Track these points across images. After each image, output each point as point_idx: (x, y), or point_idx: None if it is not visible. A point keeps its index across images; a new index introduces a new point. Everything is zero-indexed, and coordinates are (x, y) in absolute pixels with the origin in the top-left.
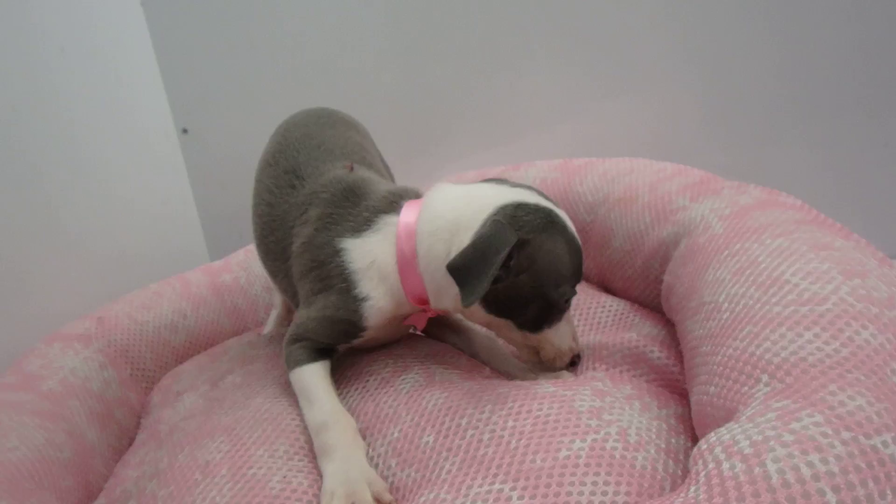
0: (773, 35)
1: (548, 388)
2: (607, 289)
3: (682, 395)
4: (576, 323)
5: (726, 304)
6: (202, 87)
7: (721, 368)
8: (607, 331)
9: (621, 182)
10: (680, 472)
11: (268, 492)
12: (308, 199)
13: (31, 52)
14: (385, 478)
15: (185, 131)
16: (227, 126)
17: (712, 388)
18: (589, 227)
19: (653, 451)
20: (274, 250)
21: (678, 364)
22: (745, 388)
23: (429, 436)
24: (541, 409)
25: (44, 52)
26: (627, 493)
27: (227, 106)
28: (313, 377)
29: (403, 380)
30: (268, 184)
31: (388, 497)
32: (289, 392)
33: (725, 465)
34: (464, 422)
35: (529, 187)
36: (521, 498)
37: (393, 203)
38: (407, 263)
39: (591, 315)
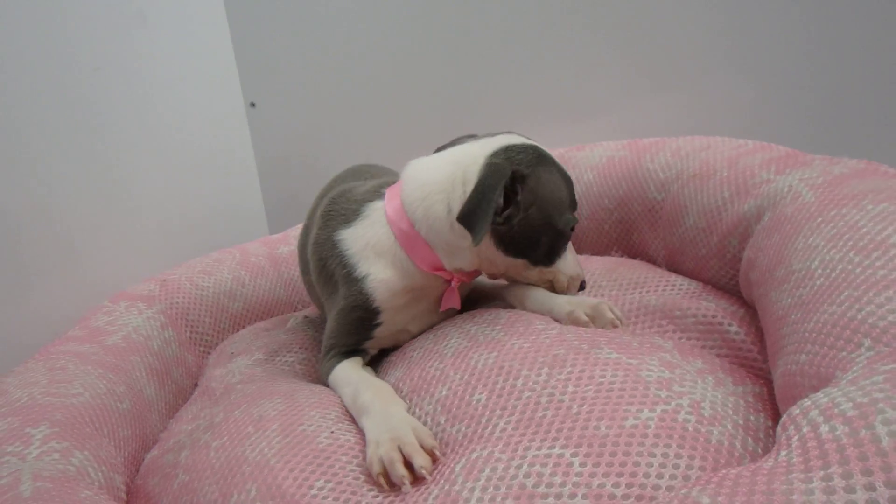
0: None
1: (610, 355)
2: (677, 270)
3: (759, 375)
4: (645, 293)
5: (820, 271)
6: (272, 62)
7: (814, 335)
8: (678, 299)
9: (696, 158)
10: (760, 451)
11: (315, 445)
12: (320, 206)
13: (113, 17)
14: (434, 434)
15: (252, 105)
16: (294, 102)
17: (803, 357)
18: (660, 205)
19: (730, 427)
20: (307, 262)
21: (756, 344)
22: (844, 353)
23: (480, 394)
24: (604, 376)
25: (125, 17)
26: (701, 468)
27: (295, 82)
28: (344, 368)
29: (447, 345)
30: (321, 199)
31: (431, 441)
32: None
33: (824, 428)
34: (519, 383)
35: (508, 132)
36: (583, 465)
37: (377, 192)
38: (407, 236)
39: (659, 290)
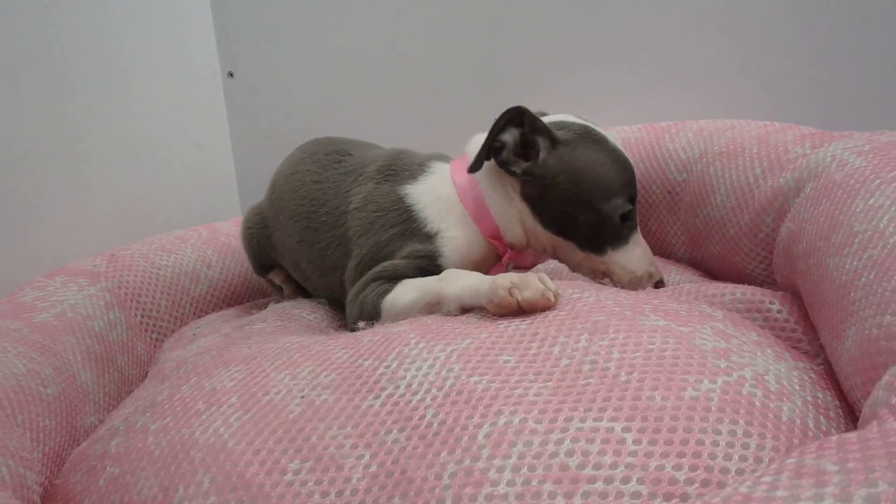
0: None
1: (657, 322)
2: (697, 260)
3: (809, 356)
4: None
5: (892, 228)
6: (253, 29)
7: None
8: (711, 285)
9: (721, 137)
10: (833, 430)
11: (285, 417)
12: (360, 165)
13: None
14: (444, 380)
15: (230, 75)
16: (276, 73)
17: (888, 318)
18: (682, 185)
19: (799, 403)
20: (327, 221)
21: (800, 324)
22: None
23: (509, 356)
24: (653, 343)
25: None
26: (775, 449)
27: (277, 51)
28: (406, 283)
29: (471, 314)
30: (309, 169)
31: (552, 285)
32: (331, 335)
33: None
34: (556, 350)
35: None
36: (637, 442)
37: (441, 155)
38: (475, 201)
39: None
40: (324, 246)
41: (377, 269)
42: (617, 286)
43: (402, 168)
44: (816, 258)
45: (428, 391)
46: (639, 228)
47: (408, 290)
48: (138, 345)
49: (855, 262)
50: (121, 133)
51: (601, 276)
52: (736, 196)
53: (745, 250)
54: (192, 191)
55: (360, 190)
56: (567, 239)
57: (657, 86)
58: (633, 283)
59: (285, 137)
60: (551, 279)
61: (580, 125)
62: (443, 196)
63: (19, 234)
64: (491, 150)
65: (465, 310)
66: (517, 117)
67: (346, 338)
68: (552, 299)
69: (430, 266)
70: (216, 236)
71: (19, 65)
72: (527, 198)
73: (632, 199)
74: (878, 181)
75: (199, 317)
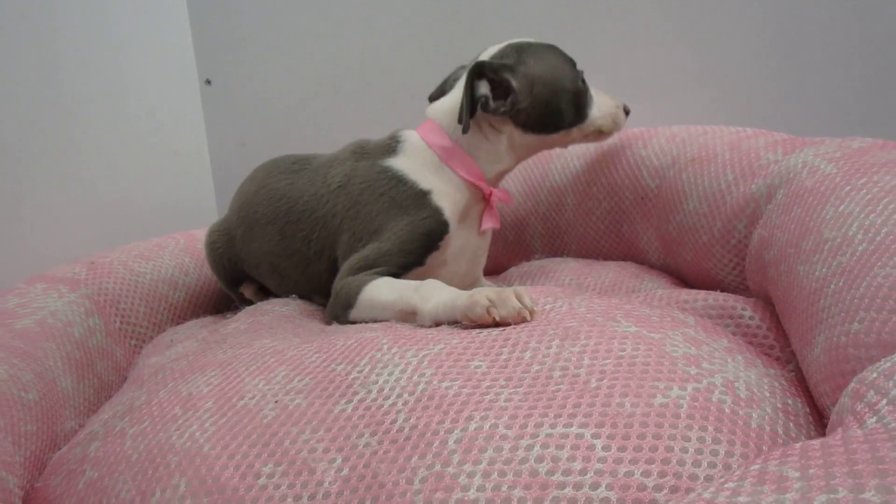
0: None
1: (629, 328)
2: (670, 266)
3: (780, 363)
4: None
5: (861, 236)
6: (231, 36)
7: (867, 301)
8: (683, 291)
9: (694, 143)
10: (803, 437)
11: (259, 422)
12: (329, 159)
13: None
14: (415, 385)
15: (208, 82)
16: (254, 81)
17: (855, 326)
18: (654, 192)
19: (769, 410)
20: (307, 208)
21: (772, 331)
22: None
23: (480, 361)
24: (624, 349)
25: None
26: (744, 455)
27: (255, 59)
28: (386, 280)
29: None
30: (277, 178)
31: (528, 302)
32: (302, 335)
33: None
34: (527, 356)
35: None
36: (606, 448)
37: (404, 129)
38: (449, 152)
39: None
40: (307, 233)
41: (372, 258)
42: (611, 137)
43: (376, 146)
44: (787, 265)
45: (400, 396)
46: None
47: (386, 291)
48: (117, 351)
49: (824, 270)
50: (100, 139)
51: (594, 136)
52: (708, 202)
53: (717, 257)
54: (169, 197)
55: (340, 170)
56: (561, 129)
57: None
58: (616, 120)
59: (261, 144)
60: (528, 295)
61: (515, 45)
62: (426, 159)
63: (4, 236)
64: (473, 105)
65: (438, 323)
66: (479, 72)
67: (320, 342)
68: (528, 317)
69: (435, 229)
70: (193, 244)
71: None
72: (520, 123)
73: (574, 66)
74: (848, 188)
75: (177, 323)
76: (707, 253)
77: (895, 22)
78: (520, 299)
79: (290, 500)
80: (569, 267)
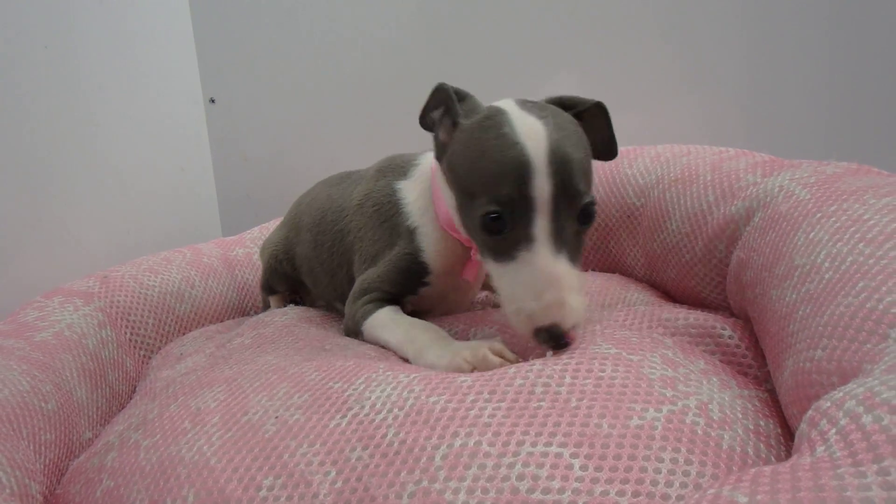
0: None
1: (609, 350)
2: (655, 281)
3: (757, 382)
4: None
5: (827, 264)
6: (235, 56)
7: (830, 329)
8: (665, 307)
9: (677, 163)
10: (773, 458)
11: (261, 436)
12: (364, 173)
13: None
14: (405, 400)
15: (212, 101)
16: (256, 100)
17: (819, 353)
18: (640, 210)
19: (740, 431)
20: (332, 219)
21: (751, 350)
22: (868, 345)
23: (466, 376)
24: (603, 370)
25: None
26: (714, 476)
27: (258, 79)
28: (388, 312)
29: None
30: (323, 189)
31: (511, 355)
32: (303, 351)
33: (867, 419)
34: (511, 370)
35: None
36: (584, 468)
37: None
38: (436, 191)
39: (642, 301)
40: (330, 244)
41: (373, 280)
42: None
43: (398, 165)
44: (762, 288)
45: (390, 411)
46: (549, 249)
47: (384, 331)
48: (127, 362)
49: (794, 295)
50: (111, 159)
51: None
52: (690, 222)
53: (699, 276)
54: (175, 212)
55: (361, 189)
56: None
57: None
58: (514, 319)
59: (263, 160)
60: (507, 350)
61: (493, 108)
62: (422, 193)
63: (18, 256)
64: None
65: None
66: (442, 95)
67: (320, 361)
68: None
69: (416, 269)
70: (199, 258)
71: (9, 95)
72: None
73: (503, 202)
74: (819, 215)
75: (183, 334)
76: (690, 271)
77: (879, 36)
78: (501, 355)
79: None
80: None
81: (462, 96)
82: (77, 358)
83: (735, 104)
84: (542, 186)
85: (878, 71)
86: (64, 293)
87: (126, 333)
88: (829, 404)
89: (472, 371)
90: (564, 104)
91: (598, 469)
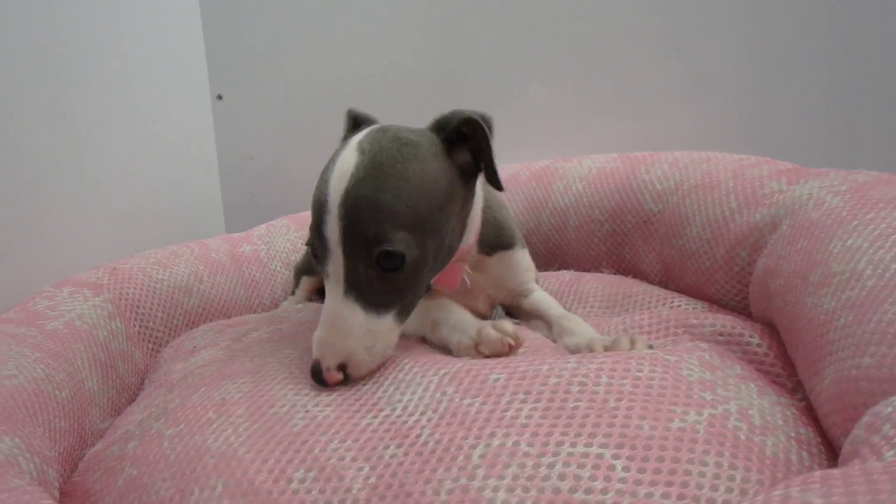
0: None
1: (644, 349)
2: (671, 288)
3: (787, 391)
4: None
5: (869, 271)
6: (243, 52)
7: (878, 336)
8: (690, 312)
9: (697, 170)
10: (816, 466)
11: (289, 430)
12: None
13: None
14: (438, 402)
15: (219, 97)
16: (264, 97)
17: (867, 360)
18: (657, 216)
19: (783, 438)
20: None
21: (779, 359)
22: None
23: (499, 374)
24: (641, 370)
25: None
26: (759, 482)
27: (266, 75)
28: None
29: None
30: None
31: (510, 328)
32: None
33: None
34: (544, 368)
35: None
36: (626, 469)
37: None
38: None
39: (665, 306)
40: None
41: None
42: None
43: None
44: (793, 295)
45: (423, 413)
46: (337, 288)
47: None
48: (136, 354)
49: (833, 303)
50: (117, 154)
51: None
52: (711, 229)
53: (720, 282)
54: (179, 211)
55: None
56: None
57: (626, 111)
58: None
59: (268, 159)
60: (509, 324)
61: (349, 138)
62: None
63: (28, 248)
64: None
65: None
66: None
67: None
68: (513, 344)
69: None
70: (207, 252)
71: (21, 89)
72: None
73: (312, 237)
74: (855, 223)
75: (190, 328)
76: (710, 278)
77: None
78: (501, 329)
79: None
80: (566, 277)
81: (361, 122)
82: (88, 348)
83: (737, 112)
84: (332, 228)
85: (883, 77)
86: (73, 284)
87: (135, 326)
88: (890, 409)
89: (475, 347)
90: (440, 126)
91: (641, 471)
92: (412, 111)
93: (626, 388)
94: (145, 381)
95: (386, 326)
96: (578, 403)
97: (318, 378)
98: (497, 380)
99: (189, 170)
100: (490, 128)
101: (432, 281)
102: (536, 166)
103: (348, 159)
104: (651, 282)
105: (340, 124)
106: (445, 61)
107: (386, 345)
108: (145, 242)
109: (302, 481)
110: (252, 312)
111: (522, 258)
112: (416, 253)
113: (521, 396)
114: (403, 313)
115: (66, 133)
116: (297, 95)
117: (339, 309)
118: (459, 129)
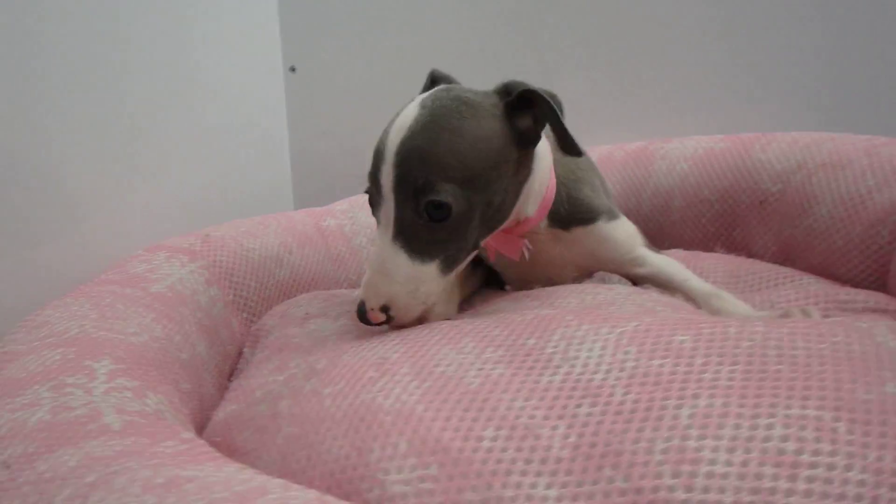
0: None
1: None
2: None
3: None
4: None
5: None
6: (318, 23)
7: None
8: (831, 287)
9: (822, 148)
10: None
11: (465, 388)
12: None
13: None
14: (622, 362)
15: (292, 69)
16: (339, 69)
17: None
18: (776, 196)
19: None
20: None
21: None
22: None
23: (683, 336)
24: (836, 336)
25: None
26: None
27: (342, 47)
28: None
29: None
30: None
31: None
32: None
33: None
34: (731, 331)
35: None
36: (850, 432)
37: None
38: None
39: (801, 284)
40: None
41: None
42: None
43: None
44: None
45: (609, 371)
46: (387, 234)
47: None
48: (233, 322)
49: None
50: (181, 129)
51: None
52: (845, 207)
53: (853, 262)
54: (247, 186)
55: None
56: None
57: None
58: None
59: (343, 134)
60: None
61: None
62: None
63: (89, 223)
64: None
65: None
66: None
67: (494, 317)
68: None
69: None
70: (293, 224)
71: (88, 64)
72: None
73: (369, 184)
74: None
75: (282, 300)
76: (841, 258)
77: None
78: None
79: (520, 463)
80: (681, 255)
81: (438, 82)
82: (194, 313)
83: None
84: (386, 176)
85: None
86: (167, 249)
87: (230, 294)
88: None
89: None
90: (507, 90)
91: (866, 434)
92: (497, 80)
93: (826, 352)
94: (244, 350)
95: (429, 274)
96: (780, 367)
97: (363, 317)
98: (683, 341)
99: (257, 145)
100: (559, 105)
101: (493, 248)
102: (631, 147)
103: (409, 113)
104: (765, 262)
105: (417, 92)
106: (535, 32)
107: (428, 291)
108: (212, 218)
109: (494, 440)
110: (339, 287)
111: (613, 230)
112: (464, 206)
113: (717, 359)
114: (448, 264)
115: (131, 107)
116: (375, 68)
117: (387, 253)
118: (523, 95)
